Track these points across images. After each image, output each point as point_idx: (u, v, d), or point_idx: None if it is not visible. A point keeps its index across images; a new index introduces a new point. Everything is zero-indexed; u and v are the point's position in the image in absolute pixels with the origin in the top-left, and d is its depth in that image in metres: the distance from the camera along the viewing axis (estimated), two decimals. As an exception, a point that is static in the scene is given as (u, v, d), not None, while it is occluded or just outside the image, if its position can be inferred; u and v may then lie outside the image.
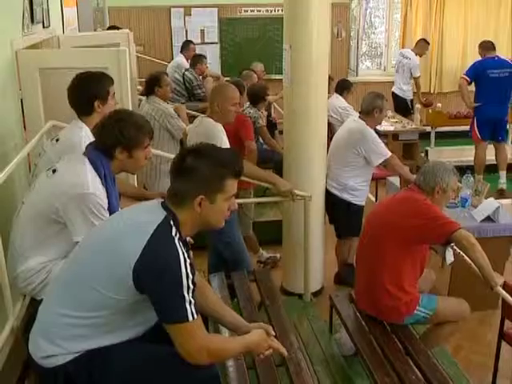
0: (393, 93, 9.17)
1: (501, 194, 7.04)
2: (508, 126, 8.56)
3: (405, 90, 9.13)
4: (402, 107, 9.07)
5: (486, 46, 7.44)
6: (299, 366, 3.12)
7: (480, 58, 7.50)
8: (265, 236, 5.64)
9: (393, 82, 9.40)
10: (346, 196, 4.99)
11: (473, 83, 7.40)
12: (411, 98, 9.19)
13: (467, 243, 3.44)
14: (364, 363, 3.49)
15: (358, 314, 3.88)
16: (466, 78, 7.35)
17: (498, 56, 7.40)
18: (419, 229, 3.53)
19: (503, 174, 7.53)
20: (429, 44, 9.36)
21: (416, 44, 9.27)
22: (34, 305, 2.93)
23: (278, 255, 5.55)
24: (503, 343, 3.76)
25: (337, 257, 5.33)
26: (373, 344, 3.59)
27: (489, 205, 4.80)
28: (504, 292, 3.49)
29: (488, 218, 4.72)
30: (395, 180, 5.88)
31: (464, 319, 3.83)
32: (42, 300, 2.47)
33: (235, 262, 4.46)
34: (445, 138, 8.91)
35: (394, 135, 7.80)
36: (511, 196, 6.19)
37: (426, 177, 3.69)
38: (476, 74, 7.31)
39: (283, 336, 3.33)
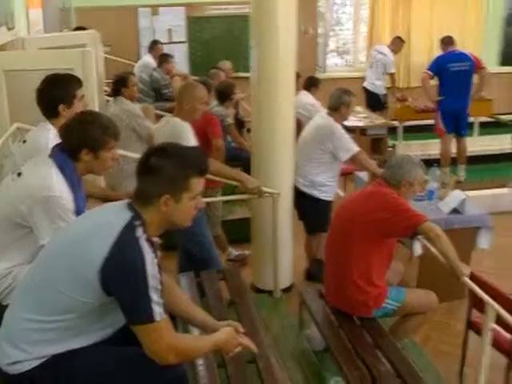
0: (365, 88, 9.23)
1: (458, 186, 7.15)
2: (474, 119, 8.74)
3: (377, 85, 9.19)
4: (374, 102, 9.15)
5: (447, 41, 7.62)
6: (269, 362, 3.13)
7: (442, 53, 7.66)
8: (234, 234, 5.63)
9: (362, 78, 9.47)
10: (314, 192, 5.00)
11: (436, 77, 7.55)
12: (384, 92, 9.27)
13: (434, 235, 3.50)
14: (334, 358, 3.51)
15: (327, 308, 3.90)
16: (429, 72, 7.52)
17: (458, 50, 7.57)
18: (386, 222, 3.57)
19: (462, 167, 7.71)
20: (404, 42, 9.50)
21: (392, 41, 9.42)
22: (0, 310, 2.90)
23: (247, 252, 5.55)
24: (470, 332, 3.81)
25: (306, 253, 5.33)
26: (342, 338, 3.62)
27: (455, 197, 4.86)
28: (470, 282, 3.53)
29: (455, 210, 4.79)
30: (363, 175, 5.92)
31: (432, 310, 3.89)
32: (8, 305, 2.44)
33: (205, 261, 4.43)
34: (413, 132, 8.99)
35: (362, 130, 7.83)
36: (469, 188, 6.32)
37: (392, 171, 3.74)
38: (438, 68, 7.47)
39: (253, 333, 3.31)
